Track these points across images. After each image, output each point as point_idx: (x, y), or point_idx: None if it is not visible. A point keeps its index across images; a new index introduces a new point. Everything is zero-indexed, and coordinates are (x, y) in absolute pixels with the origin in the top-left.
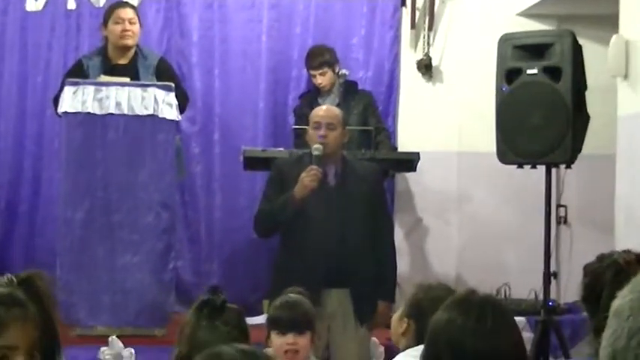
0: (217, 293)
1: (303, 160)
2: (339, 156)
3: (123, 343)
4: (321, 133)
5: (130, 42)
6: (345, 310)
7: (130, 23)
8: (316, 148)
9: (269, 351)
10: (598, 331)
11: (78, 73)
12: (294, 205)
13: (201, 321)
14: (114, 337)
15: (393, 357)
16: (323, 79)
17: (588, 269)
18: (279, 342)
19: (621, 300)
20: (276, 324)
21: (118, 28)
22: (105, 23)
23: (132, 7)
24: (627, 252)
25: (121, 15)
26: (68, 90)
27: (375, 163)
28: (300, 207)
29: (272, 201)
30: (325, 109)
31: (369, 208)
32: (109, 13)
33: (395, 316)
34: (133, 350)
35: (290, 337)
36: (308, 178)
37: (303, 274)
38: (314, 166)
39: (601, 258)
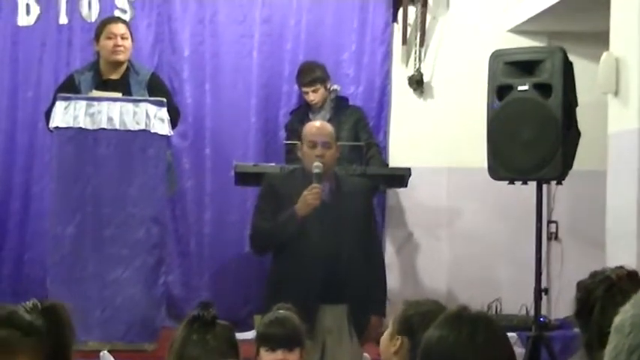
0: (208, 309)
1: (295, 176)
2: (331, 173)
3: (114, 357)
4: (319, 153)
5: (121, 57)
6: (341, 326)
7: (122, 38)
8: (317, 166)
9: None
10: (589, 346)
11: (70, 88)
12: (296, 223)
13: (192, 336)
14: (105, 351)
15: None
16: (315, 95)
17: (581, 285)
18: (268, 359)
19: (623, 315)
20: (266, 340)
21: (110, 43)
22: (97, 38)
23: (124, 22)
24: (620, 268)
25: (113, 30)
26: (60, 105)
27: (366, 179)
28: (302, 224)
29: (267, 217)
30: (318, 127)
31: (360, 223)
32: (100, 28)
33: (385, 335)
34: None
35: (279, 354)
36: (311, 196)
37: (298, 291)
38: (316, 185)
39: (594, 274)
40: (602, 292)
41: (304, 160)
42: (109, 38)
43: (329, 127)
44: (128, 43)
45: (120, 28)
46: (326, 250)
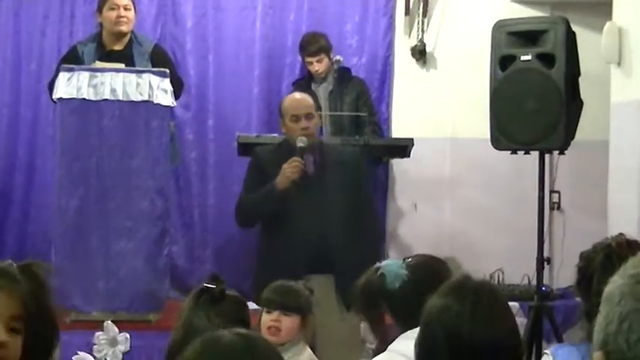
0: (217, 282)
1: (282, 148)
2: (316, 143)
3: (118, 328)
4: (304, 126)
5: (124, 28)
6: (329, 296)
7: (125, 9)
8: (301, 140)
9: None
10: (589, 314)
11: (73, 59)
12: (276, 196)
13: (198, 309)
14: (109, 322)
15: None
16: (319, 65)
17: (583, 255)
18: (265, 319)
19: (612, 285)
20: (266, 302)
21: (113, 14)
22: (100, 9)
23: None
24: (620, 235)
25: (116, 1)
26: (63, 76)
27: (355, 148)
28: (282, 197)
29: (252, 190)
30: (298, 100)
31: (349, 193)
32: None
33: None
34: (127, 335)
35: (275, 315)
36: (290, 169)
37: (285, 262)
38: (297, 158)
39: (596, 245)
40: (601, 260)
41: (288, 134)
42: (112, 9)
43: (308, 98)
44: (131, 14)
45: (122, 0)
46: (312, 221)
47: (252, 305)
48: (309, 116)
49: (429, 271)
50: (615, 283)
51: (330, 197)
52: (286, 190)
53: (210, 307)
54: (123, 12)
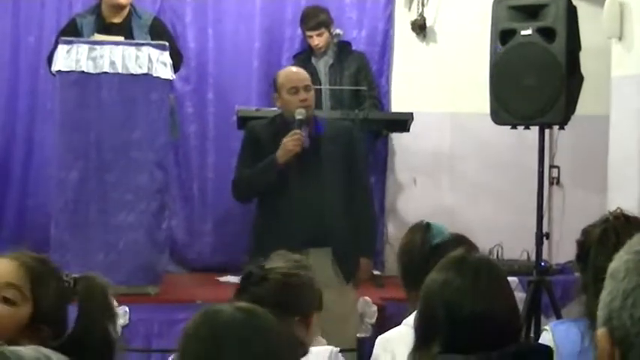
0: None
1: (276, 122)
2: (311, 116)
3: (117, 301)
4: (303, 97)
5: (123, 1)
6: (326, 269)
7: None
8: (299, 112)
9: None
10: (585, 287)
11: (72, 31)
12: (276, 170)
13: (243, 293)
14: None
15: (386, 316)
16: (320, 39)
17: (583, 230)
18: None
19: (617, 261)
20: None
21: None
22: None
23: None
24: (618, 209)
25: None
26: (62, 49)
27: (348, 122)
28: (282, 170)
29: (248, 164)
30: (295, 72)
31: (344, 166)
32: None
33: None
34: (127, 308)
35: None
36: (292, 142)
37: (282, 236)
38: (297, 131)
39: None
40: (598, 234)
41: (285, 108)
42: None
43: (304, 71)
44: None
45: None
46: (309, 195)
47: None
48: (307, 88)
49: (465, 243)
50: (620, 259)
51: (325, 170)
52: (287, 163)
53: (253, 290)
54: None
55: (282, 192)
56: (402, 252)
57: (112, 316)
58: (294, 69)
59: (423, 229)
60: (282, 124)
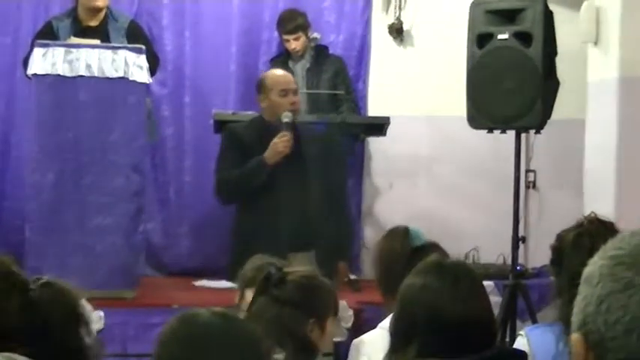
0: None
1: (256, 125)
2: (295, 121)
3: (93, 305)
4: (292, 100)
5: (100, 3)
6: None
7: None
8: (286, 115)
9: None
10: (560, 291)
11: (48, 34)
12: (265, 171)
13: (262, 295)
14: (83, 300)
15: (363, 320)
16: (297, 43)
17: (558, 234)
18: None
19: (591, 266)
20: (252, 281)
21: None
22: None
23: None
24: (592, 214)
25: None
26: (38, 52)
27: (329, 126)
28: (271, 171)
29: (233, 166)
30: (284, 75)
31: (324, 170)
32: None
33: None
34: (102, 313)
35: None
36: (282, 144)
37: (266, 239)
38: (286, 133)
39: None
40: (572, 239)
41: (272, 110)
42: None
43: (290, 75)
44: None
45: None
46: (291, 198)
47: (227, 283)
48: (295, 92)
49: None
50: (595, 265)
51: (308, 174)
52: (275, 164)
53: (272, 291)
54: None
55: (266, 195)
56: (380, 256)
57: (81, 321)
58: (282, 72)
59: (402, 233)
60: (265, 126)
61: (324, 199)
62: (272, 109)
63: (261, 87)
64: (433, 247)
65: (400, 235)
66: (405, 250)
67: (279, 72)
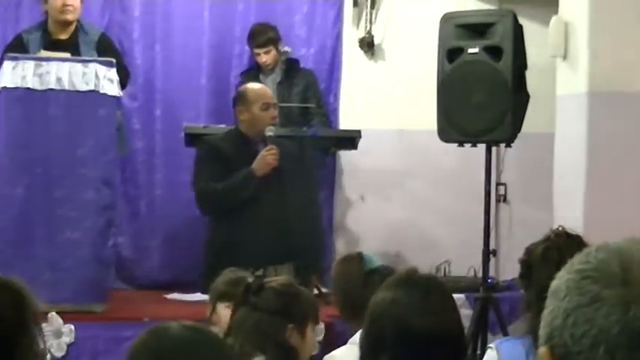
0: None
1: (233, 138)
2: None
3: (63, 319)
4: (273, 114)
5: (70, 17)
6: None
7: None
8: (270, 129)
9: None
10: (529, 305)
11: (17, 47)
12: (254, 183)
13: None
14: (53, 313)
15: (334, 334)
16: (267, 57)
17: (527, 248)
18: (226, 313)
19: (558, 280)
20: (227, 296)
21: (59, 2)
22: None
23: None
24: (559, 227)
25: None
26: (7, 65)
27: (303, 139)
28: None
29: (215, 178)
30: (265, 89)
31: (300, 183)
32: None
33: None
34: (72, 327)
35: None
36: (271, 156)
37: (244, 252)
38: (273, 146)
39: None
40: (540, 252)
41: (253, 123)
42: None
43: (268, 88)
44: (77, 2)
45: None
46: (269, 211)
47: (200, 296)
48: (275, 106)
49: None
50: (562, 278)
51: (286, 188)
52: (263, 176)
53: (251, 300)
54: (69, 0)
55: (243, 208)
56: (337, 282)
57: (27, 328)
58: (261, 85)
59: (356, 258)
60: (243, 139)
61: (302, 212)
62: (253, 122)
63: (241, 100)
64: (388, 270)
65: (355, 259)
66: (360, 273)
67: (258, 85)
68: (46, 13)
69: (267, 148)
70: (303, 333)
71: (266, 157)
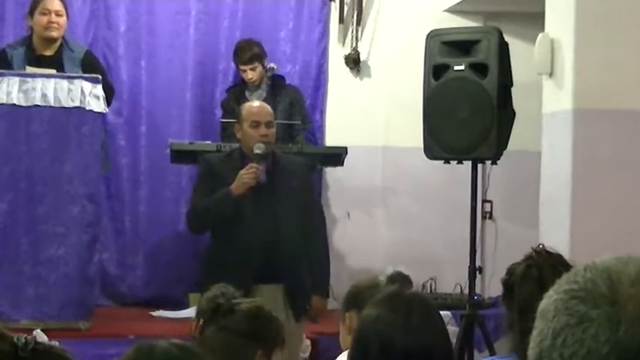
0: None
1: (233, 157)
2: (270, 152)
3: (47, 336)
4: (263, 133)
5: (55, 34)
6: (277, 306)
7: (57, 15)
8: (258, 147)
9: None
10: (511, 324)
11: (1, 62)
12: (230, 202)
13: (210, 323)
14: (38, 330)
15: (320, 350)
16: (253, 73)
17: (508, 268)
18: None
19: (547, 300)
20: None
21: (44, 19)
22: (31, 13)
23: None
24: (539, 245)
25: (48, 6)
26: None
27: (303, 158)
28: (237, 203)
29: (205, 197)
30: (259, 107)
31: (300, 203)
32: (35, 2)
33: (341, 327)
34: (57, 344)
35: None
36: (247, 175)
37: (234, 269)
38: (254, 164)
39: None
40: (521, 271)
41: (245, 141)
42: (44, 14)
43: (268, 107)
44: (63, 20)
45: (55, 5)
46: (262, 229)
47: (186, 313)
48: (269, 124)
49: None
50: (550, 299)
51: (280, 207)
52: (241, 195)
53: (220, 320)
54: (54, 17)
55: (235, 226)
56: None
57: None
58: (258, 103)
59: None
60: (242, 157)
61: (298, 231)
62: (244, 139)
63: (238, 117)
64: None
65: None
66: None
67: (255, 103)
68: (31, 28)
69: (247, 167)
70: (270, 357)
71: (242, 177)
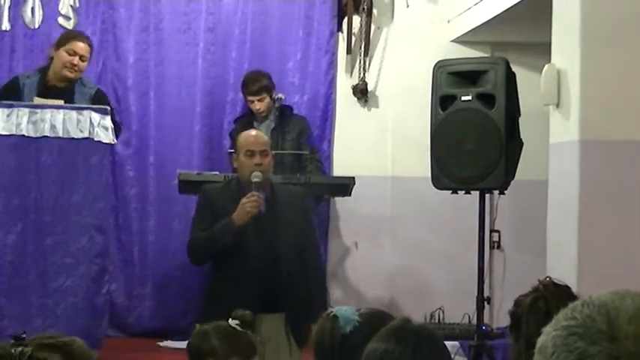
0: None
1: (231, 186)
2: (267, 181)
3: None
4: (258, 162)
5: (72, 76)
6: (279, 335)
7: (81, 59)
8: (256, 175)
9: None
10: (518, 356)
11: (13, 90)
12: (233, 231)
13: None
14: None
15: None
16: (261, 104)
17: (516, 299)
18: None
19: (545, 336)
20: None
21: (68, 58)
22: (58, 46)
23: (89, 43)
24: (547, 277)
25: (75, 48)
26: (2, 112)
27: (300, 187)
28: (239, 232)
29: (204, 227)
30: (254, 136)
31: (297, 232)
32: (66, 39)
33: None
34: None
35: None
36: (250, 204)
37: (236, 301)
38: (255, 193)
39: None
40: (529, 303)
41: (241, 170)
42: (69, 54)
43: (264, 136)
44: (84, 65)
45: (82, 50)
46: (263, 259)
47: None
48: (263, 153)
49: (379, 322)
50: (548, 335)
51: (279, 236)
52: (244, 225)
53: None
54: (77, 61)
55: (236, 256)
56: (314, 345)
57: None
58: (254, 132)
59: (331, 320)
60: (239, 186)
61: (296, 261)
62: (240, 168)
63: (234, 146)
64: (372, 324)
65: (329, 322)
66: (335, 339)
67: (251, 132)
68: (52, 59)
69: (249, 195)
70: None
71: (245, 206)
